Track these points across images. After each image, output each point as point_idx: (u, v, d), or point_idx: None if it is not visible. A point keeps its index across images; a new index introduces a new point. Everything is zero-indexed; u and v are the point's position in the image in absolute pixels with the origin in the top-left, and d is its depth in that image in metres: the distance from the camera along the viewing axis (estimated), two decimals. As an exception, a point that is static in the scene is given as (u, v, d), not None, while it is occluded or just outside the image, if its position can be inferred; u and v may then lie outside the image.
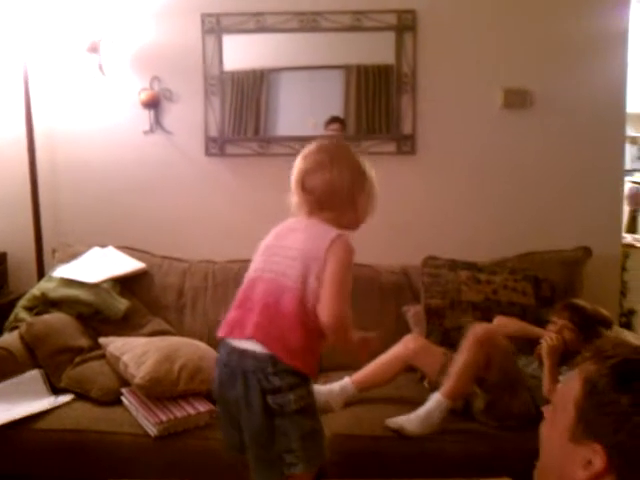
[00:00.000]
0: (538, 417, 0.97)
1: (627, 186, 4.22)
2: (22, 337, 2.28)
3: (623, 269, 3.22)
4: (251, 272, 1.53)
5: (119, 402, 2.14)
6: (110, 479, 1.80)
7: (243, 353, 1.42)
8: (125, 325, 2.50)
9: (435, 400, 1.98)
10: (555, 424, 0.85)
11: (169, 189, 2.92)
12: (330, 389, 2.14)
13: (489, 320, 2.36)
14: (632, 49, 2.83)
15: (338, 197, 1.50)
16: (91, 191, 2.93)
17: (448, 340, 2.38)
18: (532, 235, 2.86)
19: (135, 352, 2.17)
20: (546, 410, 0.91)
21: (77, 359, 2.28)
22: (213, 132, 2.87)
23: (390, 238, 2.82)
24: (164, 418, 1.99)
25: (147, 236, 2.89)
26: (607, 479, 0.75)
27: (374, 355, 2.17)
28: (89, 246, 2.75)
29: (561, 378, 2.02)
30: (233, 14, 2.79)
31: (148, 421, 2.00)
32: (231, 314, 1.50)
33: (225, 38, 2.82)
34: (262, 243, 1.58)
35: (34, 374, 2.21)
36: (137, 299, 2.64)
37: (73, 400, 2.16)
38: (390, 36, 2.80)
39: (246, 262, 1.61)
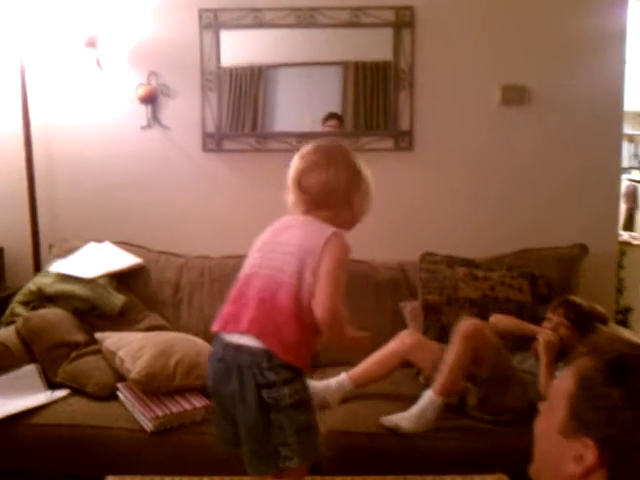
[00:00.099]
0: (532, 412, 0.97)
1: (624, 184, 4.23)
2: (18, 332, 2.28)
3: (619, 266, 3.23)
4: (247, 268, 1.54)
5: (115, 397, 2.14)
6: (106, 474, 1.80)
7: (239, 348, 1.42)
8: (121, 320, 2.50)
9: (428, 398, 1.99)
10: (549, 419, 0.85)
11: (166, 184, 2.92)
12: (327, 385, 2.15)
13: (486, 317, 2.36)
14: (630, 47, 2.84)
15: (334, 197, 1.52)
16: (88, 186, 2.92)
17: (445, 336, 2.37)
18: (529, 232, 2.86)
19: (131, 347, 2.17)
20: (542, 406, 0.91)
21: (73, 354, 2.28)
22: (210, 128, 2.87)
23: (387, 234, 2.83)
24: (160, 413, 1.99)
25: (144, 231, 2.89)
26: (599, 473, 0.76)
27: (367, 354, 2.17)
28: (86, 241, 2.75)
29: (557, 374, 2.03)
30: (231, 9, 2.79)
31: (144, 416, 2.00)
32: (226, 309, 1.51)
33: (223, 33, 2.81)
34: (258, 240, 1.58)
35: (30, 369, 2.21)
36: (133, 294, 2.64)
37: (69, 395, 2.16)
38: (388, 32, 2.79)
39: (243, 258, 1.60)
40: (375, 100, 2.85)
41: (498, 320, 2.35)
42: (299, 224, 1.53)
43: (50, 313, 2.39)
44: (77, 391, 2.17)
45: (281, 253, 1.48)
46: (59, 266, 2.57)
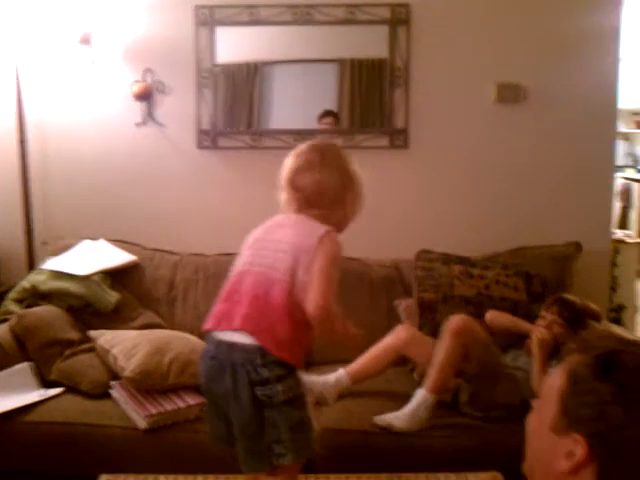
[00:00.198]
0: (525, 409, 0.97)
1: (618, 182, 4.24)
2: (12, 330, 2.28)
3: (613, 265, 3.24)
4: (239, 266, 1.54)
5: (109, 395, 2.14)
6: (100, 472, 1.80)
7: (232, 346, 1.42)
8: (116, 318, 2.49)
9: (420, 396, 1.99)
10: (541, 416, 0.85)
11: (161, 182, 2.91)
12: (325, 380, 2.15)
13: (481, 315, 2.37)
14: (624, 46, 2.84)
15: (327, 197, 1.53)
16: (82, 183, 2.91)
17: (440, 334, 2.38)
18: (524, 230, 2.86)
19: (125, 345, 2.17)
20: (534, 403, 0.92)
21: (67, 352, 2.27)
22: (205, 125, 2.86)
23: (382, 232, 2.83)
24: (154, 411, 1.99)
25: (138, 229, 2.88)
26: (589, 469, 0.76)
27: (362, 350, 2.17)
28: (80, 238, 2.74)
29: (550, 372, 2.04)
30: (226, 6, 2.78)
31: (138, 414, 1.99)
32: (218, 307, 1.51)
33: (218, 30, 2.80)
34: (249, 237, 1.59)
35: (24, 367, 2.21)
36: (128, 292, 2.63)
37: (63, 393, 2.16)
38: (384, 30, 2.79)
39: (237, 255, 1.61)
40: (371, 98, 2.85)
41: (494, 316, 2.36)
42: (292, 222, 1.54)
43: (44, 311, 2.38)
44: (71, 389, 2.17)
45: (273, 250, 1.49)
46: (53, 263, 2.56)
